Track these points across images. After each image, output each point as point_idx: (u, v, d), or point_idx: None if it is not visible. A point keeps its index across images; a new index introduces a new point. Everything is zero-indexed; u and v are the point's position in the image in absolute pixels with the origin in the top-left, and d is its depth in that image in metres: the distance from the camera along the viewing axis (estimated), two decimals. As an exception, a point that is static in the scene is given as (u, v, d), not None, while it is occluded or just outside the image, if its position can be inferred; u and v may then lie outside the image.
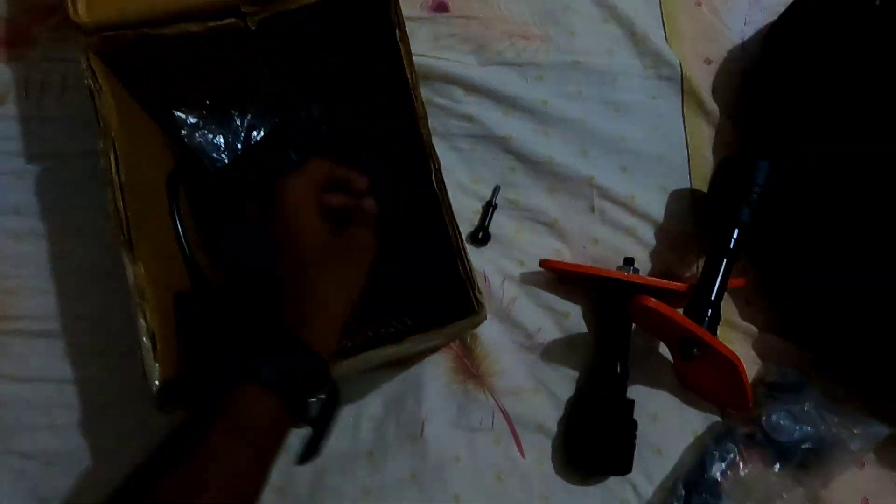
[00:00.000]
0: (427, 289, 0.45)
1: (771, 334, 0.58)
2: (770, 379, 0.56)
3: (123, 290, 0.42)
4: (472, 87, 0.60)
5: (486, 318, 0.43)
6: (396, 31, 0.44)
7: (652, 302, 0.46)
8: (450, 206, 0.42)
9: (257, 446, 0.34)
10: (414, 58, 0.52)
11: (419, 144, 0.44)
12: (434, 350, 0.55)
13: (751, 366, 0.57)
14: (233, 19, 0.44)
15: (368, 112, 0.52)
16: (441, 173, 0.43)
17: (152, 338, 0.38)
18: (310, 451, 0.37)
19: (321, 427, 0.37)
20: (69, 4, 0.42)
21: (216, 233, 0.50)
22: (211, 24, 0.43)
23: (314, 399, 0.36)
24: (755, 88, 0.60)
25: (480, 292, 0.42)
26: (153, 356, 0.38)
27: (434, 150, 0.43)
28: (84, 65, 0.42)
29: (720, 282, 0.51)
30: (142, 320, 0.39)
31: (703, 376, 0.53)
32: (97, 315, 0.53)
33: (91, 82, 0.42)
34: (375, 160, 0.47)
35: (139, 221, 0.42)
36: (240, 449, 0.33)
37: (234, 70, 0.48)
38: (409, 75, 0.43)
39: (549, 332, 0.57)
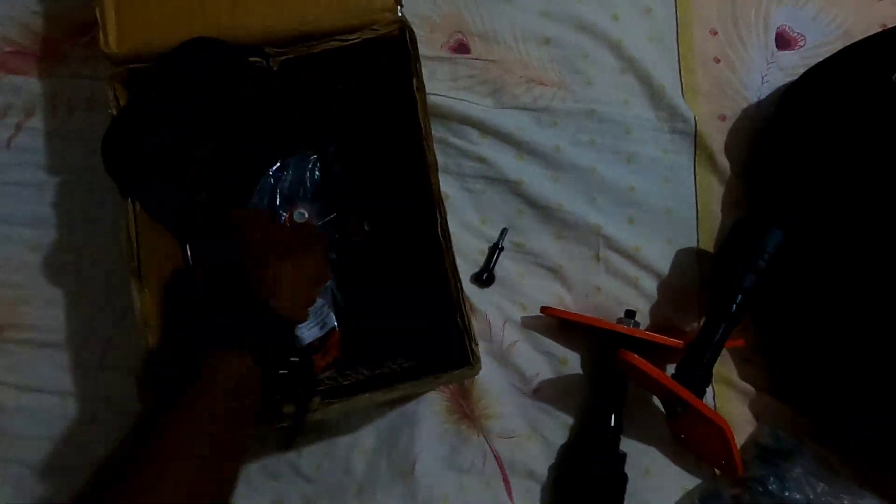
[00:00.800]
0: (426, 333, 0.46)
1: (768, 395, 0.57)
2: (763, 441, 0.56)
3: (131, 309, 0.43)
4: (486, 129, 0.61)
5: (480, 371, 0.43)
6: (414, 80, 0.45)
7: (635, 359, 0.47)
8: (453, 259, 0.43)
9: (230, 408, 0.35)
10: (431, 97, 0.52)
11: (429, 192, 0.44)
12: (430, 389, 0.55)
13: (745, 426, 0.57)
14: (256, 58, 0.45)
15: (382, 154, 0.53)
16: (447, 224, 0.44)
17: (154, 367, 0.39)
18: (294, 429, 0.39)
19: (301, 404, 0.39)
20: (100, 34, 0.44)
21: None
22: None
23: (285, 370, 0.38)
24: (768, 148, 0.61)
25: (476, 344, 0.42)
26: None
27: (442, 201, 0.44)
28: (110, 94, 0.43)
29: (715, 345, 0.51)
30: (145, 347, 0.40)
31: (694, 435, 0.53)
32: (103, 331, 0.54)
33: (115, 111, 0.43)
34: (384, 202, 0.48)
35: (150, 249, 0.43)
36: (213, 410, 0.34)
37: (253, 105, 0.49)
38: (422, 126, 0.44)
39: (547, 377, 0.57)
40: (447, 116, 0.61)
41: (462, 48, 0.63)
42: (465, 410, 0.56)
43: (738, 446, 0.56)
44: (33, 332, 0.55)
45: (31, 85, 0.60)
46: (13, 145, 0.58)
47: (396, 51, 0.46)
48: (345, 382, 0.45)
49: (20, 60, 0.60)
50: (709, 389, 0.57)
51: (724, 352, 0.58)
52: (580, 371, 0.58)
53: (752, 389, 0.58)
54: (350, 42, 0.45)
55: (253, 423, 0.37)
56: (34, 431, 0.53)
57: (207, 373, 0.35)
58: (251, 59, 0.45)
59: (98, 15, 0.44)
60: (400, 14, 0.46)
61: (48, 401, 0.53)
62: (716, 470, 0.56)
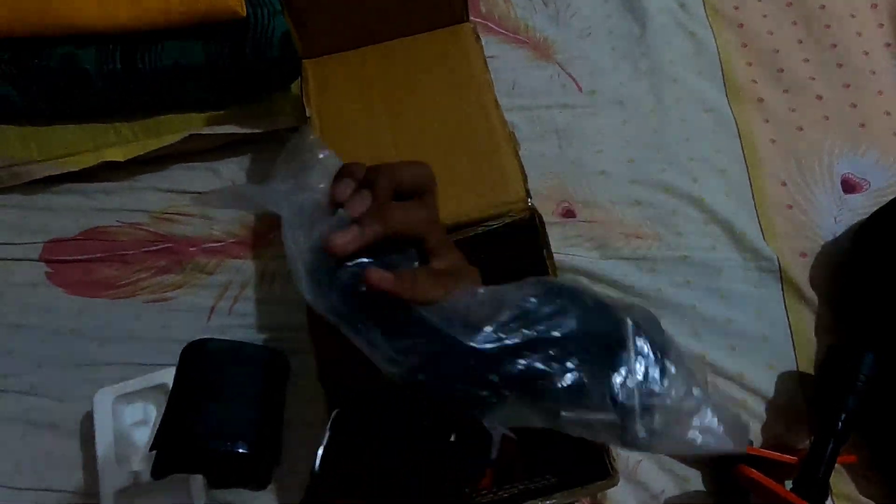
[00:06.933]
0: (570, 453, 0.56)
1: (891, 511, 0.61)
2: (894, 556, 0.59)
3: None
4: (595, 277, 0.74)
5: (618, 483, 0.52)
6: (544, 250, 0.60)
7: (755, 474, 0.54)
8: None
9: None
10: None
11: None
12: (578, 497, 0.64)
13: (874, 541, 0.61)
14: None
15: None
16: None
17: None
18: None
19: None
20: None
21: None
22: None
23: None
24: (849, 279, 0.69)
25: (615, 459, 0.52)
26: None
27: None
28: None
29: (827, 461, 0.57)
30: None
31: (822, 547, 0.58)
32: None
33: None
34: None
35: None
36: None
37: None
38: (554, 284, 0.58)
39: (672, 493, 0.64)
40: (561, 269, 0.75)
41: (569, 213, 0.79)
42: (601, 525, 0.63)
43: (869, 562, 0.59)
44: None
45: (246, 265, 0.80)
46: (233, 311, 0.77)
47: (528, 228, 0.62)
48: (504, 495, 0.55)
49: (238, 248, 0.81)
50: (830, 505, 0.62)
51: (843, 468, 0.63)
52: (703, 487, 0.64)
53: (874, 505, 0.62)
54: (493, 227, 0.61)
55: None
56: None
57: None
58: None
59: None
60: (530, 203, 0.62)
61: None
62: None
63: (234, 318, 0.77)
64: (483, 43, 0.73)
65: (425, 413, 0.32)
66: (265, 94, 0.81)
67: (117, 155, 0.83)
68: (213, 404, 0.66)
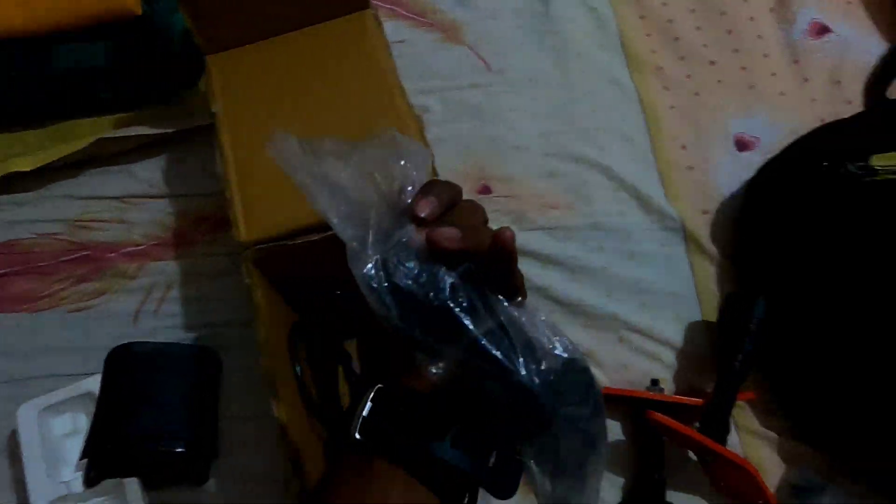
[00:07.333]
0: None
1: (790, 439, 0.67)
2: (794, 481, 0.64)
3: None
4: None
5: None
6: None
7: (660, 417, 0.58)
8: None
9: None
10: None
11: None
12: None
13: (776, 469, 0.66)
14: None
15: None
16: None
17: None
18: None
19: None
20: (234, 228, 0.62)
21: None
22: (328, 233, 0.62)
23: None
24: (743, 233, 0.75)
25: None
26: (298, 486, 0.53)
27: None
28: (244, 269, 0.61)
29: (727, 399, 0.62)
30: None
31: (729, 481, 0.63)
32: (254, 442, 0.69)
33: (249, 280, 0.61)
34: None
35: (281, 379, 0.58)
36: None
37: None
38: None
39: (595, 446, 0.68)
40: (482, 244, 0.77)
41: (486, 190, 0.81)
42: (531, 482, 0.67)
43: (774, 488, 0.65)
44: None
45: (170, 266, 0.79)
46: (160, 312, 0.77)
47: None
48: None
49: (160, 250, 0.80)
50: (737, 440, 0.67)
51: (746, 405, 0.68)
52: (622, 437, 0.68)
53: (776, 436, 0.67)
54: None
55: None
56: None
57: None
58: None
59: (231, 215, 0.63)
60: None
61: None
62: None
63: (162, 320, 0.76)
64: (392, 27, 0.74)
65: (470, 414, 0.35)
66: (173, 93, 0.80)
67: (24, 165, 0.80)
68: (144, 406, 0.67)
